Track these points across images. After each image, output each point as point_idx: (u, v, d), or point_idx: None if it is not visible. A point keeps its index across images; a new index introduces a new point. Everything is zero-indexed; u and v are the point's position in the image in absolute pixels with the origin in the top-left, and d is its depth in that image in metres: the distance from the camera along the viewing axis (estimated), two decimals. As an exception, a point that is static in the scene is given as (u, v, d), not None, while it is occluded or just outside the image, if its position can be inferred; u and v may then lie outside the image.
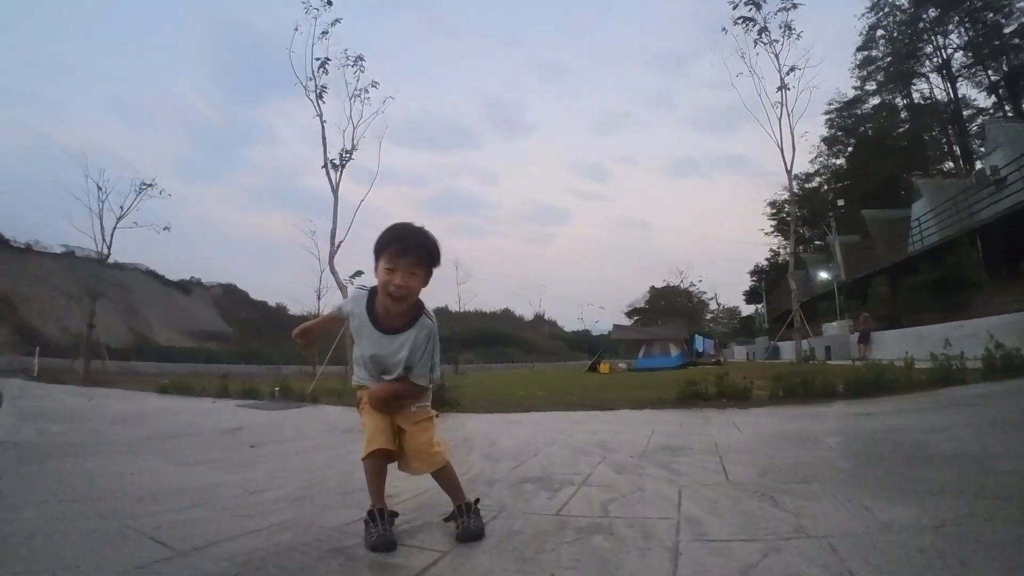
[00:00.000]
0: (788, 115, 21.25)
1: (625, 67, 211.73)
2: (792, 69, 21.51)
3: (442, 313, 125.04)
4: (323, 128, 19.69)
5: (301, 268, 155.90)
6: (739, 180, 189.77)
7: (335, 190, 19.57)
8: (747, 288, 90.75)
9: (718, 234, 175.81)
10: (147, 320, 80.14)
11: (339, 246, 19.42)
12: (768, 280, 71.83)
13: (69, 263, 75.45)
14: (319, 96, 19.57)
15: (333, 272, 19.38)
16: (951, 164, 60.15)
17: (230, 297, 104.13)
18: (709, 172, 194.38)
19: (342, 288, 19.11)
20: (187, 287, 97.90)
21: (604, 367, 34.00)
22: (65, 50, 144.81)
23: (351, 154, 19.67)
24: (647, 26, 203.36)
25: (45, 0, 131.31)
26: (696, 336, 46.96)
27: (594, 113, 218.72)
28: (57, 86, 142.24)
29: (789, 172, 23.57)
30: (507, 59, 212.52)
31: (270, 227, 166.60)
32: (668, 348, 38.11)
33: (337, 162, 19.53)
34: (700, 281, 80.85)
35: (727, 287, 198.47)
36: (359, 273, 23.50)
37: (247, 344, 77.53)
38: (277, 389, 15.64)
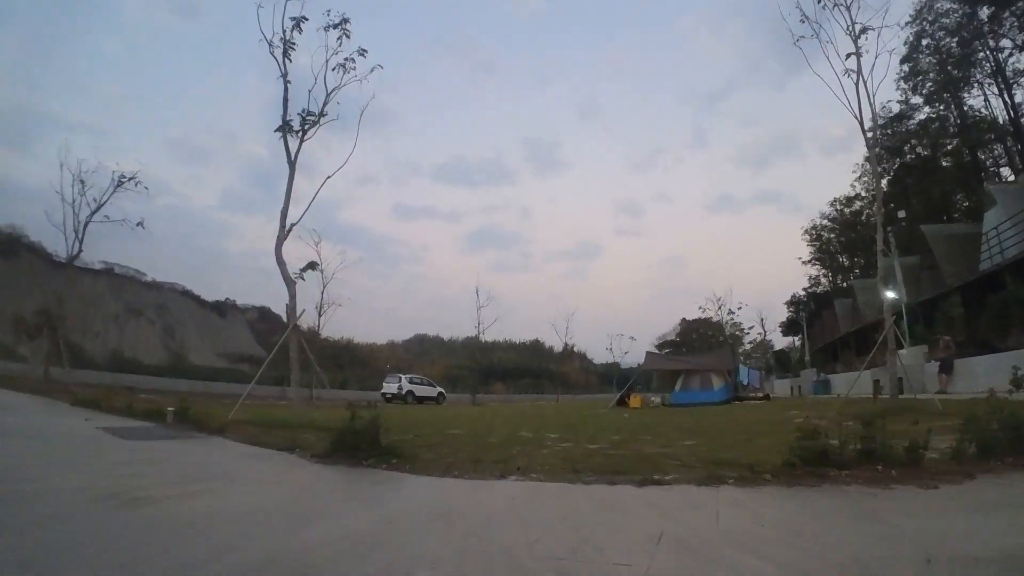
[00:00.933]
0: (862, 79, 16.01)
1: (659, 104, 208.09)
2: (864, 30, 16.47)
3: (472, 344, 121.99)
4: (286, 89, 15.32)
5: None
6: (772, 215, 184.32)
7: (291, 161, 15.24)
8: (783, 320, 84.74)
9: (750, 269, 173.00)
10: (183, 340, 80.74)
11: (290, 230, 15.06)
12: (809, 311, 66.39)
13: (108, 280, 77.47)
14: (285, 53, 15.22)
15: (280, 262, 14.95)
16: (1010, 174, 53.76)
17: (264, 321, 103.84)
18: (742, 208, 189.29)
19: (289, 282, 15.27)
20: (223, 309, 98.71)
21: (634, 400, 29.61)
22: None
23: (318, 119, 15.35)
24: (679, 62, 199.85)
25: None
26: (741, 367, 39.78)
27: (629, 150, 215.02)
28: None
29: (869, 126, 18.36)
30: (542, 98, 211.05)
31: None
32: (710, 380, 31.70)
33: (296, 126, 15.21)
34: (740, 309, 75.70)
35: (757, 322, 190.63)
36: (313, 265, 19.67)
37: (278, 367, 72.90)
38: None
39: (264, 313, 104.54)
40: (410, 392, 42.23)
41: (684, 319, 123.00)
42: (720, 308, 75.85)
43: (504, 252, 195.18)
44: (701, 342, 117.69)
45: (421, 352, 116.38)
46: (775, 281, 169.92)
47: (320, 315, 43.75)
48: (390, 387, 42.35)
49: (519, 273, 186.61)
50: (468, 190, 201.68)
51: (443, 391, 46.12)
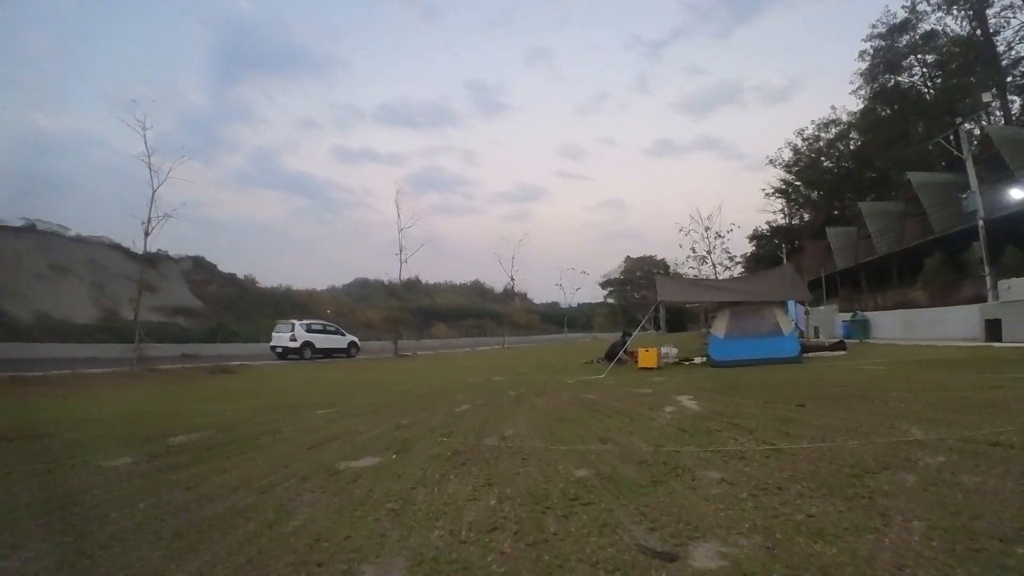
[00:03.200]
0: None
1: (605, 50, 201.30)
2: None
3: (413, 286, 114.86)
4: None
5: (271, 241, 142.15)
6: (712, 160, 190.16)
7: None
8: (746, 254, 74.94)
9: (694, 211, 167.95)
10: (114, 296, 70.67)
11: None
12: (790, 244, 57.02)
13: (32, 238, 71.17)
14: None
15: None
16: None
17: (200, 270, 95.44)
18: (683, 153, 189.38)
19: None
20: (154, 260, 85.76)
21: (646, 356, 17.13)
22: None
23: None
24: (626, 8, 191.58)
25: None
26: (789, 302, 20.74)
27: (573, 95, 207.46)
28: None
29: None
30: (488, 42, 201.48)
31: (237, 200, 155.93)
32: (775, 319, 16.91)
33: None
34: (731, 232, 66.25)
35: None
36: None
37: (216, 319, 71.88)
38: None
39: (199, 263, 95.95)
40: (308, 344, 31.21)
41: (628, 257, 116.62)
42: (707, 231, 65.95)
43: (447, 194, 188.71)
44: (647, 281, 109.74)
45: (362, 297, 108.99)
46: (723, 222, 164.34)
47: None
48: (281, 338, 31.16)
49: (462, 215, 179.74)
50: (411, 132, 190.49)
51: (356, 340, 35.21)
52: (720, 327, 16.62)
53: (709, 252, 52.58)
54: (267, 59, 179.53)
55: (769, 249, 63.78)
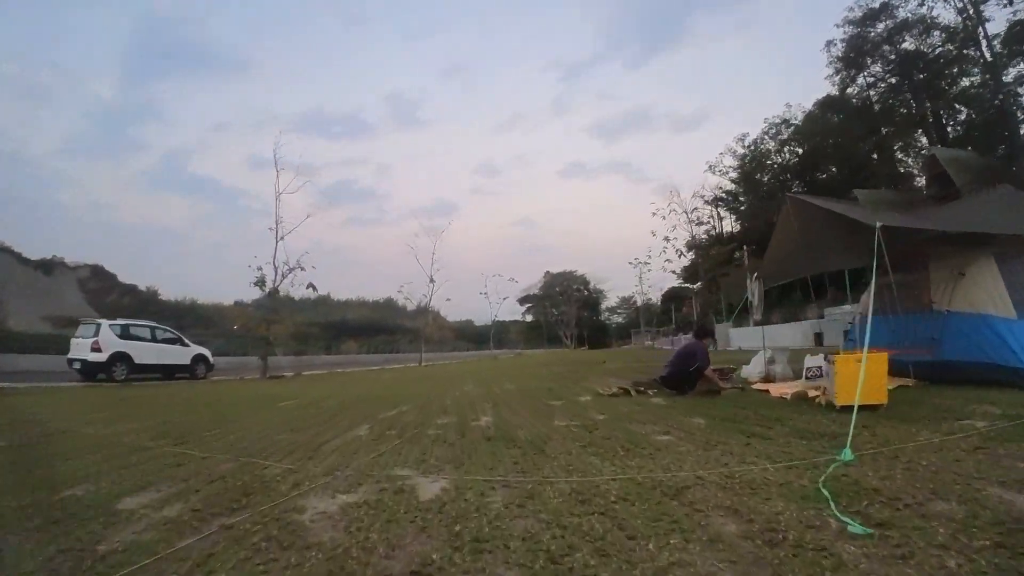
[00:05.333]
0: None
1: (523, 70, 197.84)
2: None
3: (324, 302, 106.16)
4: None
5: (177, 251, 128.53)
6: (620, 183, 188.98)
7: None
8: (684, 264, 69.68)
9: (609, 232, 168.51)
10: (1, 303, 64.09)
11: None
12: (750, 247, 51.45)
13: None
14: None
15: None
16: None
17: (98, 279, 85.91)
18: (594, 175, 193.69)
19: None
20: (48, 267, 79.80)
21: (849, 370, 6.45)
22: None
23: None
24: (547, 31, 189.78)
25: None
26: None
27: (489, 112, 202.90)
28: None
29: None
30: (410, 54, 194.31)
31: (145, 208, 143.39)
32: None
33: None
34: (720, 200, 60.55)
35: (614, 272, 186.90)
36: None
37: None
38: None
39: (98, 271, 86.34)
40: (121, 357, 20.54)
41: (548, 272, 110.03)
42: (691, 211, 59.55)
43: (360, 207, 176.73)
44: (565, 298, 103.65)
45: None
46: (627, 244, 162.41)
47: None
48: (80, 347, 20.50)
49: (375, 228, 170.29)
50: (326, 142, 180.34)
51: (206, 354, 24.25)
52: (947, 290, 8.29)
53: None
54: (181, 56, 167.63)
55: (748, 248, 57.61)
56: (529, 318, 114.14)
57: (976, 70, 44.85)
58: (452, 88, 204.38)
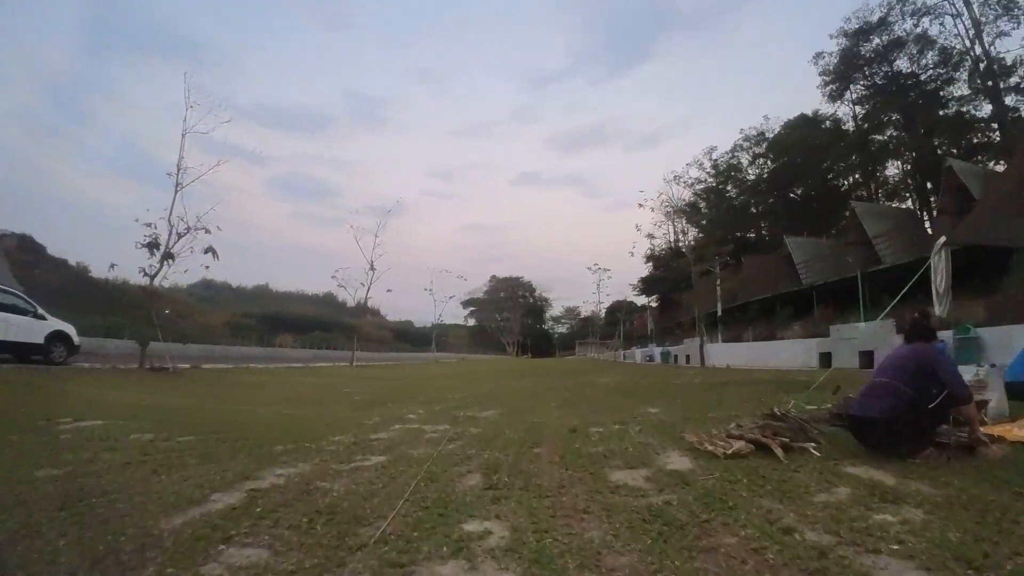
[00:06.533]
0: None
1: (488, 79, 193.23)
2: None
3: (263, 293, 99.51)
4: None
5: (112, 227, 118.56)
6: (573, 196, 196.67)
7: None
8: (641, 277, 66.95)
9: (559, 240, 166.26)
10: None
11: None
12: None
13: None
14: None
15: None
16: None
17: (28, 251, 70.19)
18: (548, 186, 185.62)
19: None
20: None
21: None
22: None
23: None
24: (515, 44, 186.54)
25: None
26: None
27: (451, 117, 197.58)
28: None
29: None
30: (380, 56, 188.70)
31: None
32: None
33: None
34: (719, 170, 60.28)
35: (560, 283, 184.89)
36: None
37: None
38: None
39: (25, 242, 71.93)
40: None
41: (495, 276, 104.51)
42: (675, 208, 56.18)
43: (314, 203, 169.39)
44: (511, 304, 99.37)
45: (206, 298, 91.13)
46: (576, 256, 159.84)
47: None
48: None
49: (328, 226, 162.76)
50: (284, 135, 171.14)
51: (69, 332, 17.53)
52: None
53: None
54: (143, 37, 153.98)
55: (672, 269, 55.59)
56: (472, 322, 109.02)
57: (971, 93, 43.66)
58: (417, 91, 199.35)
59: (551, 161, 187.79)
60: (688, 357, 37.95)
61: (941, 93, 46.05)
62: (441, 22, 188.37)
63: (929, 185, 46.91)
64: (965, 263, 26.11)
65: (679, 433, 6.15)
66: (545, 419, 7.88)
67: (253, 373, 20.68)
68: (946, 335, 19.90)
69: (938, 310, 8.26)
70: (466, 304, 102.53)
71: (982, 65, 42.08)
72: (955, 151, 44.82)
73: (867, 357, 21.99)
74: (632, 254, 76.66)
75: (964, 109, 44.92)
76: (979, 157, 40.95)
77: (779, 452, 4.79)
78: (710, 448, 5.06)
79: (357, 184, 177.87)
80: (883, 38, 48.02)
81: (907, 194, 50.74)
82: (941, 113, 45.34)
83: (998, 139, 41.55)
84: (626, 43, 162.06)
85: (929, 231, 35.95)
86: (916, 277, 8.41)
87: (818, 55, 52.94)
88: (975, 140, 44.85)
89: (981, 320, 20.81)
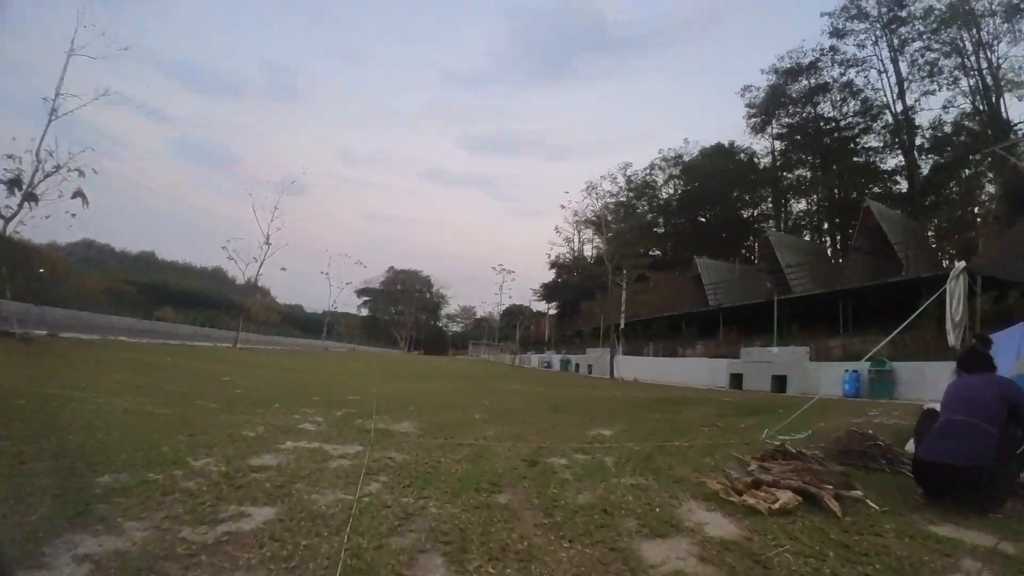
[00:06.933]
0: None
1: (405, 68, 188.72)
2: None
3: (146, 260, 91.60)
4: None
5: None
6: (480, 198, 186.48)
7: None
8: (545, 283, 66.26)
9: (461, 239, 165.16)
10: None
11: None
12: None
13: None
14: None
15: None
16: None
17: None
18: (454, 183, 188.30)
19: None
20: None
21: None
22: None
23: None
24: (438, 37, 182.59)
25: None
26: None
27: (366, 100, 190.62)
28: None
29: None
30: (303, 28, 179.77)
31: None
32: None
33: None
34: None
35: (457, 281, 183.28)
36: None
37: None
38: None
39: None
40: None
41: (392, 267, 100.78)
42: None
43: (211, 169, 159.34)
44: (406, 297, 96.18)
45: (85, 259, 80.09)
46: (477, 256, 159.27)
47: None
48: None
49: (228, 195, 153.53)
50: (192, 95, 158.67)
51: None
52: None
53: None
54: None
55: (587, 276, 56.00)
56: (365, 312, 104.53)
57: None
58: (336, 71, 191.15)
59: (462, 160, 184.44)
60: (591, 367, 37.22)
61: (857, 141, 48.42)
62: (370, 1, 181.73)
63: (837, 222, 49.42)
64: (875, 300, 26.91)
65: (671, 470, 4.90)
66: (481, 441, 6.06)
67: (120, 348, 17.38)
68: (860, 367, 19.87)
69: (951, 339, 7.22)
70: (361, 293, 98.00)
71: (901, 120, 44.44)
72: (863, 195, 46.79)
73: (780, 381, 21.96)
74: (549, 254, 75.97)
75: (875, 159, 47.66)
76: (886, 203, 42.84)
77: (834, 506, 3.72)
78: (750, 501, 3.74)
79: (263, 156, 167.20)
80: (811, 81, 49.88)
81: (807, 229, 53.25)
82: (855, 160, 47.72)
83: (903, 189, 44.12)
84: (550, 56, 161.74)
85: (841, 266, 37.36)
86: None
87: (746, 88, 54.61)
88: (877, 189, 47.19)
89: (885, 355, 20.88)
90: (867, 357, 8.80)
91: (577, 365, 40.98)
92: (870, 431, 7.28)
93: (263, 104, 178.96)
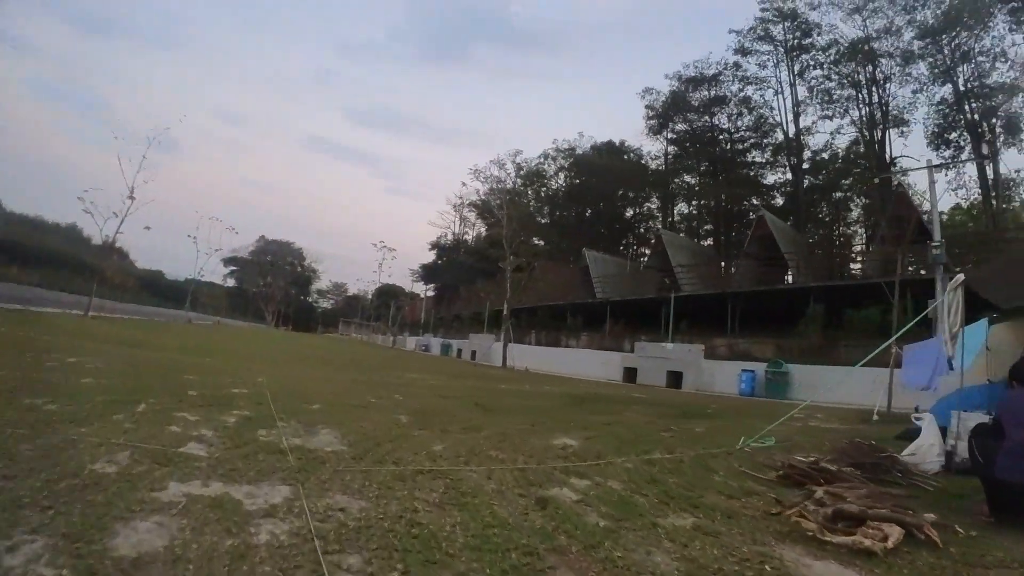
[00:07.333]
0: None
1: (297, 33, 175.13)
2: None
3: None
4: None
5: None
6: (361, 176, 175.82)
7: None
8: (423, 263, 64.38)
9: (338, 213, 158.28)
10: None
11: None
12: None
13: None
14: None
15: None
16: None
17: None
18: (336, 157, 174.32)
19: None
20: None
21: None
22: None
23: None
24: (344, 13, 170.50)
25: None
26: None
27: (255, 56, 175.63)
28: None
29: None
30: None
31: None
32: None
33: None
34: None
35: (341, 260, 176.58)
36: None
37: None
38: None
39: None
40: None
41: (263, 236, 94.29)
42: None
43: (80, 113, 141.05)
44: (276, 269, 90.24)
45: None
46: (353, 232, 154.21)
47: None
48: None
49: (88, 146, 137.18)
50: (61, 25, 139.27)
51: None
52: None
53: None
54: None
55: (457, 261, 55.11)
56: (231, 283, 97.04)
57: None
58: (220, 18, 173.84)
59: (346, 133, 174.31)
60: (474, 353, 36.17)
61: (747, 154, 51.05)
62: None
63: (721, 228, 51.69)
64: (763, 304, 27.67)
65: (702, 497, 4.20)
66: (442, 464, 4.49)
67: None
68: (756, 367, 20.05)
69: (948, 350, 7.14)
70: (228, 262, 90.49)
71: (792, 140, 47.08)
72: (742, 205, 50.16)
73: (675, 377, 21.99)
74: (437, 226, 74.05)
75: (759, 173, 50.45)
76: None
77: (933, 535, 3.42)
78: (866, 543, 3.18)
79: (135, 106, 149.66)
80: (711, 92, 51.44)
81: (686, 232, 54.62)
82: (742, 172, 50.16)
83: (780, 203, 46.78)
84: (448, 39, 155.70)
85: (732, 270, 38.82)
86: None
87: (647, 90, 55.32)
88: (756, 201, 49.65)
89: (770, 357, 21.33)
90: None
91: (460, 351, 39.75)
92: (872, 441, 6.90)
93: (141, 49, 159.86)
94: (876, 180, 36.99)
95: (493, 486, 3.86)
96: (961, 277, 6.68)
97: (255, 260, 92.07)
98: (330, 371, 13.98)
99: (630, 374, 23.41)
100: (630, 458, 5.35)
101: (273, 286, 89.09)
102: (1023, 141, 34.96)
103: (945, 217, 29.29)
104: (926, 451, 6.01)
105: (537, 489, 3.85)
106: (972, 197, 38.69)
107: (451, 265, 67.78)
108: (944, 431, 6.24)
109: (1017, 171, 36.06)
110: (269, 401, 6.65)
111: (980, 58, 36.31)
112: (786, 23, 44.72)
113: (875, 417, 10.74)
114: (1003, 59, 35.14)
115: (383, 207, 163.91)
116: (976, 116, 36.76)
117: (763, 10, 44.92)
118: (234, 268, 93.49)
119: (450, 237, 73.14)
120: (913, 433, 7.99)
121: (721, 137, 52.44)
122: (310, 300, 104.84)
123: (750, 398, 18.24)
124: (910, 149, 65.40)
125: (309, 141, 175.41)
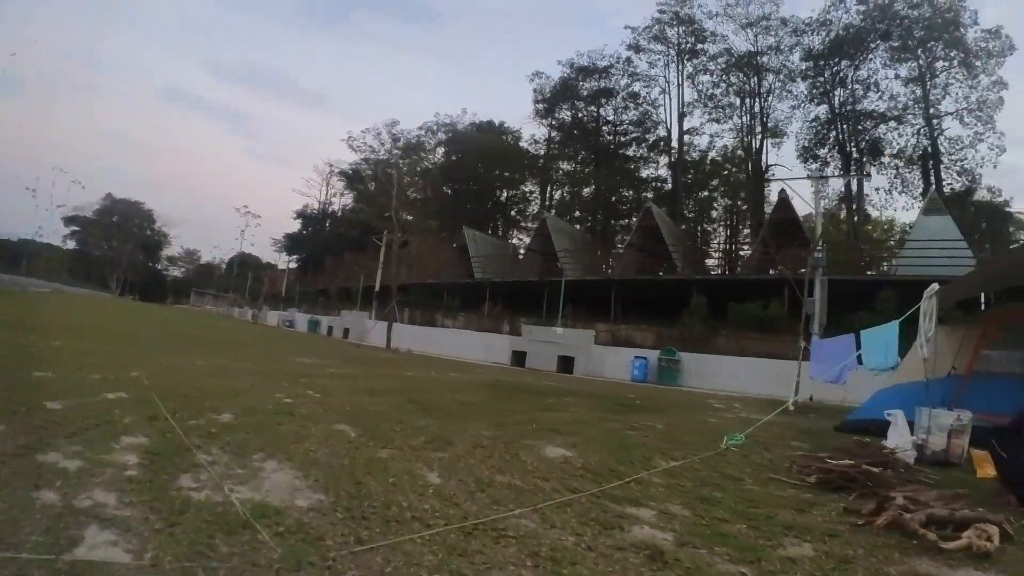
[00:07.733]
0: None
1: None
2: None
3: None
4: None
5: None
6: (219, 133, 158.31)
7: None
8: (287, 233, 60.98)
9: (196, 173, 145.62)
10: None
11: None
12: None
13: None
14: None
15: None
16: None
17: None
18: (195, 108, 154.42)
19: None
20: None
21: None
22: None
23: None
24: None
25: None
26: None
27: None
28: None
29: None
30: None
31: None
32: None
33: None
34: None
35: (198, 225, 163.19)
36: None
37: None
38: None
39: None
40: None
41: (111, 194, 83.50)
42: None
43: None
44: (122, 231, 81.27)
45: None
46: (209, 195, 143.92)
47: None
48: None
49: None
50: None
51: None
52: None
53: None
54: None
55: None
56: (72, 244, 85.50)
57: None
58: None
59: (206, 86, 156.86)
60: (347, 331, 34.23)
61: (627, 147, 52.57)
62: None
63: (600, 216, 53.15)
64: (645, 293, 28.34)
65: (774, 517, 3.71)
66: (456, 504, 3.56)
67: None
68: (649, 354, 20.38)
69: (924, 352, 7.29)
70: (69, 221, 80.00)
71: (675, 139, 49.12)
72: (618, 194, 52.16)
73: (566, 363, 21.90)
74: (258, 215, 70.59)
75: (637, 167, 52.33)
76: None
77: (1010, 529, 3.56)
78: (988, 546, 3.22)
79: None
80: (601, 83, 52.07)
81: (562, 217, 55.57)
82: (623, 165, 51.70)
83: (652, 197, 48.00)
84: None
85: (611, 257, 39.80)
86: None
87: (536, 74, 55.19)
88: (628, 193, 52.41)
89: (651, 345, 21.87)
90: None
91: (331, 328, 37.44)
92: (867, 439, 6.81)
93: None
94: (748, 184, 41.01)
95: (569, 538, 3.01)
96: (936, 286, 6.95)
97: (100, 220, 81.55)
98: (209, 356, 11.92)
99: (519, 358, 23.15)
100: (651, 472, 4.73)
101: (119, 250, 79.71)
102: (883, 163, 40.84)
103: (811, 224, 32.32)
104: (901, 445, 6.17)
105: (617, 532, 3.12)
106: (832, 206, 43.94)
107: (317, 236, 64.75)
108: (912, 425, 6.46)
109: (877, 189, 41.65)
110: (164, 412, 5.02)
111: (855, 85, 41.42)
112: (682, 27, 46.60)
113: (791, 407, 10.96)
114: (875, 89, 40.54)
115: (246, 171, 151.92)
116: (843, 136, 41.88)
117: (661, 11, 46.45)
118: (76, 228, 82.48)
119: (316, 206, 69.87)
120: (850, 426, 8.44)
121: (605, 128, 53.52)
122: (159, 267, 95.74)
123: (643, 384, 18.47)
124: (783, 159, 72.54)
125: (164, 90, 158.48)
